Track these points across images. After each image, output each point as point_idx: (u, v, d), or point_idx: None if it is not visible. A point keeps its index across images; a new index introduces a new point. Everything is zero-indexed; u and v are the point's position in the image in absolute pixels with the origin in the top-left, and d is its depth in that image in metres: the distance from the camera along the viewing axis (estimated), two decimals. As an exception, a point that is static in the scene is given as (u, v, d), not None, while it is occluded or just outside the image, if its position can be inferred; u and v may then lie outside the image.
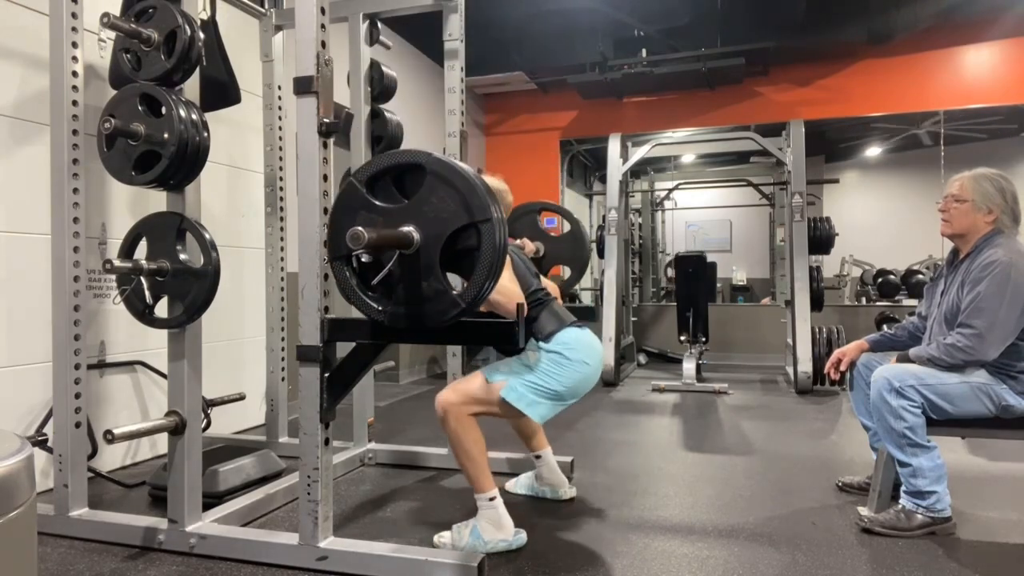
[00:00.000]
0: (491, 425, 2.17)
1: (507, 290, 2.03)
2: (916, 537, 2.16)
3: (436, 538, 2.14)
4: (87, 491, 2.29)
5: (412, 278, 1.69)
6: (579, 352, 2.15)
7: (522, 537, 2.12)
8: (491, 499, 2.10)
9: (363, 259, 1.75)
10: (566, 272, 3.34)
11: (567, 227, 3.35)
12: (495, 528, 2.08)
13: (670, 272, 7.94)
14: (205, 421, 3.06)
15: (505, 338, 1.90)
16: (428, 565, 1.86)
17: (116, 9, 2.24)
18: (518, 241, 2.92)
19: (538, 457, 2.59)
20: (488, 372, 2.17)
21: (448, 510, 2.47)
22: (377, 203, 1.72)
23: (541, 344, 2.16)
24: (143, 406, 3.17)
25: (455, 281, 1.73)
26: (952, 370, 2.19)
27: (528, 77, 7.16)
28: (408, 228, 1.67)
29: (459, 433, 2.09)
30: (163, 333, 2.15)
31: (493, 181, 2.39)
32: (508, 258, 2.15)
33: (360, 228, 1.55)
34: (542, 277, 2.49)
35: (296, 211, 1.99)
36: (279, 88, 3.28)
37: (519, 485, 2.66)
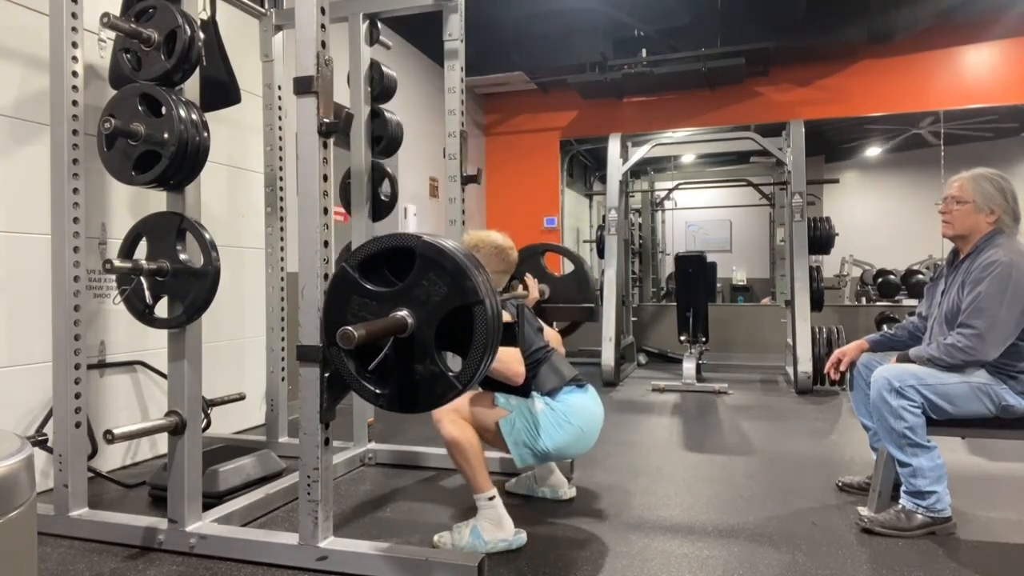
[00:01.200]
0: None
1: (505, 356, 2.08)
2: (916, 537, 2.16)
3: (436, 538, 2.14)
4: (87, 491, 2.29)
5: (408, 361, 1.69)
6: (579, 419, 2.20)
7: (522, 537, 2.12)
8: (490, 498, 2.10)
9: None
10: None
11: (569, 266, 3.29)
12: (495, 528, 2.08)
13: (671, 284, 7.95)
14: (205, 421, 3.06)
15: (506, 340, 1.90)
16: (428, 565, 1.86)
17: (116, 9, 2.25)
18: (521, 288, 2.90)
19: None
20: (499, 397, 2.21)
21: (448, 510, 2.47)
22: (370, 287, 1.73)
23: (547, 400, 2.19)
24: (143, 406, 3.17)
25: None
26: (952, 370, 2.19)
27: (528, 77, 7.16)
28: (402, 313, 1.67)
29: (454, 435, 2.10)
30: (163, 333, 2.15)
31: (498, 238, 2.41)
32: (510, 313, 2.20)
33: (350, 328, 1.55)
34: (546, 328, 2.51)
35: (296, 211, 1.99)
36: (279, 88, 3.28)
37: (519, 485, 2.66)
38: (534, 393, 2.21)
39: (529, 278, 2.99)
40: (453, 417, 2.12)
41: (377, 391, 1.73)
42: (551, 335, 2.54)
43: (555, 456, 2.21)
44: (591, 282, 3.23)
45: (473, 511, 2.14)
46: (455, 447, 2.10)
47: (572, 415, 2.19)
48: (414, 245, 1.68)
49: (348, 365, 1.75)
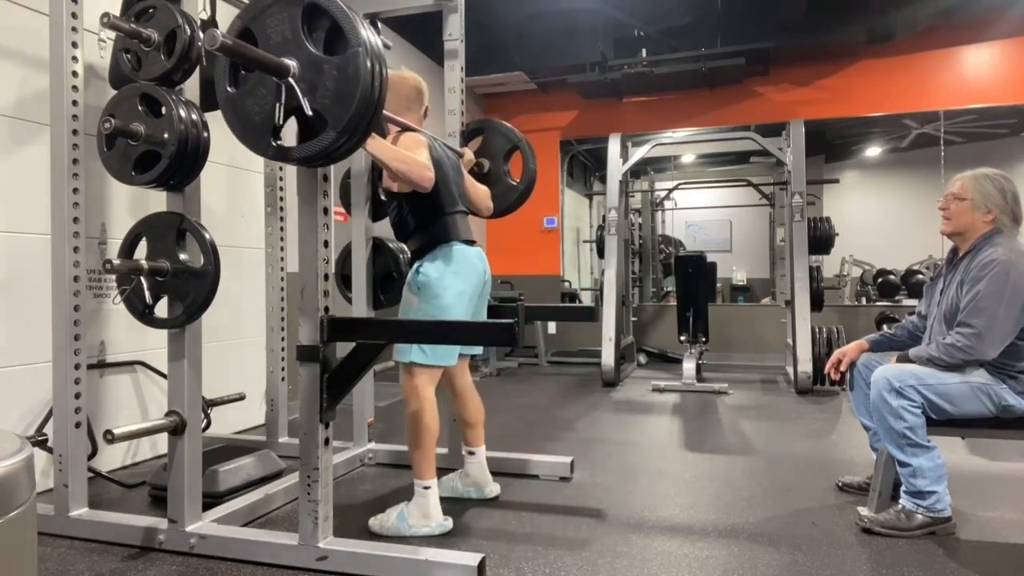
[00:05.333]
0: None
1: (409, 159, 2.09)
2: (916, 537, 2.16)
3: (371, 521, 2.23)
4: (87, 491, 2.29)
5: (314, 86, 1.66)
6: (453, 272, 2.24)
7: (448, 524, 2.21)
8: (426, 487, 2.20)
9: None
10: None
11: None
12: (422, 515, 2.18)
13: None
14: (205, 421, 3.06)
15: (505, 339, 1.90)
16: (428, 565, 1.86)
17: (116, 9, 2.25)
18: (460, 148, 2.85)
19: (471, 453, 2.57)
20: (401, 355, 2.27)
21: (447, 510, 2.47)
22: (243, 74, 1.74)
23: (415, 279, 2.24)
24: (143, 406, 3.17)
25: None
26: (952, 370, 2.19)
27: (528, 77, 7.16)
28: (286, 60, 1.65)
29: (416, 416, 2.21)
30: (163, 333, 2.16)
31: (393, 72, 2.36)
32: (425, 142, 2.26)
33: (215, 30, 1.52)
34: (476, 185, 2.60)
35: (296, 211, 1.99)
36: (279, 88, 3.28)
37: (442, 488, 2.44)
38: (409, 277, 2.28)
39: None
40: (419, 398, 2.21)
41: (311, 140, 1.68)
42: (480, 190, 2.60)
43: (448, 297, 2.21)
44: (523, 142, 3.08)
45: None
46: (412, 428, 2.22)
47: (447, 260, 2.25)
48: (245, 22, 1.74)
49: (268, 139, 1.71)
